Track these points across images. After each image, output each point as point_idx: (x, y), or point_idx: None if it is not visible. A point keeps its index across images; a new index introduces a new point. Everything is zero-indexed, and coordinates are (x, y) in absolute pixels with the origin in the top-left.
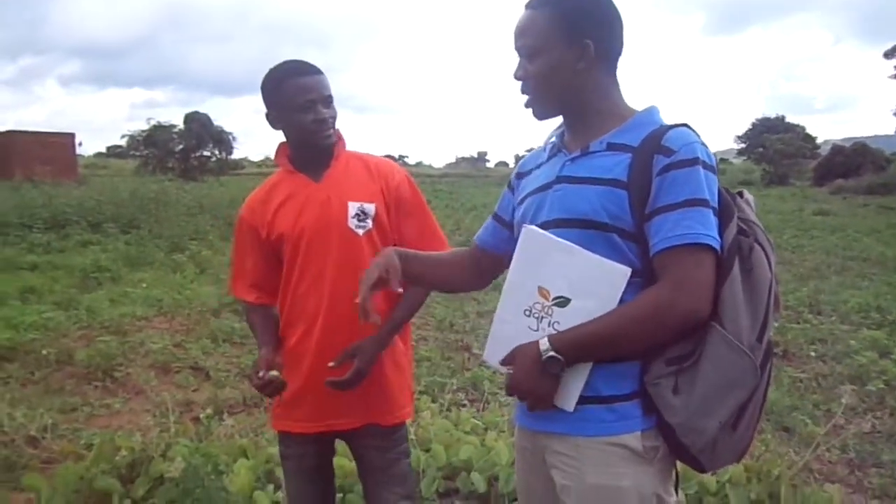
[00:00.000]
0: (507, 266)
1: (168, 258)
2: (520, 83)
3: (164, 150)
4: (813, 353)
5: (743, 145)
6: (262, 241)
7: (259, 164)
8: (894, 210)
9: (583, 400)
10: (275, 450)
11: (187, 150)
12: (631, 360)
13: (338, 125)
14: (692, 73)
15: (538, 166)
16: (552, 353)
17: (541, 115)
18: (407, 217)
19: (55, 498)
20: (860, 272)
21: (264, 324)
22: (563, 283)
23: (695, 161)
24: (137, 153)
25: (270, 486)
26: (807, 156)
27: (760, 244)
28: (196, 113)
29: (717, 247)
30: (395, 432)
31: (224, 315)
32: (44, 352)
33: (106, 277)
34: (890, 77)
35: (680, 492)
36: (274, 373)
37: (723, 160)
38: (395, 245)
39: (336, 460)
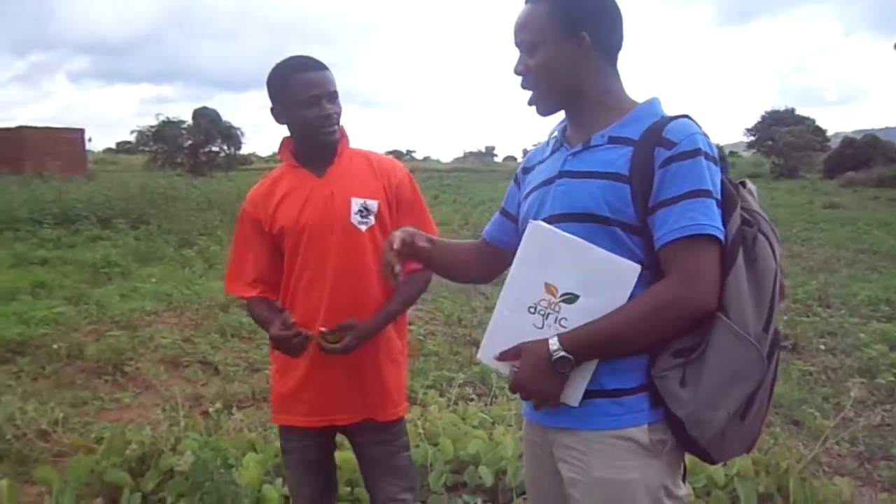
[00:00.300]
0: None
1: (177, 253)
2: (521, 79)
3: (172, 145)
4: (822, 347)
5: (752, 138)
6: (264, 235)
7: (267, 160)
8: None
9: (589, 394)
10: None
11: (196, 145)
12: (637, 354)
13: (344, 121)
14: (701, 65)
15: (542, 161)
16: (563, 354)
17: (544, 110)
18: (406, 215)
19: (66, 491)
20: (870, 265)
21: (270, 307)
22: (571, 280)
23: (696, 152)
24: (146, 149)
25: (279, 480)
26: (817, 148)
27: (764, 234)
28: (204, 108)
29: (722, 237)
30: (393, 427)
31: (232, 310)
32: (54, 346)
33: (116, 272)
34: None
35: (688, 485)
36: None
37: (732, 153)
38: None
39: (343, 454)
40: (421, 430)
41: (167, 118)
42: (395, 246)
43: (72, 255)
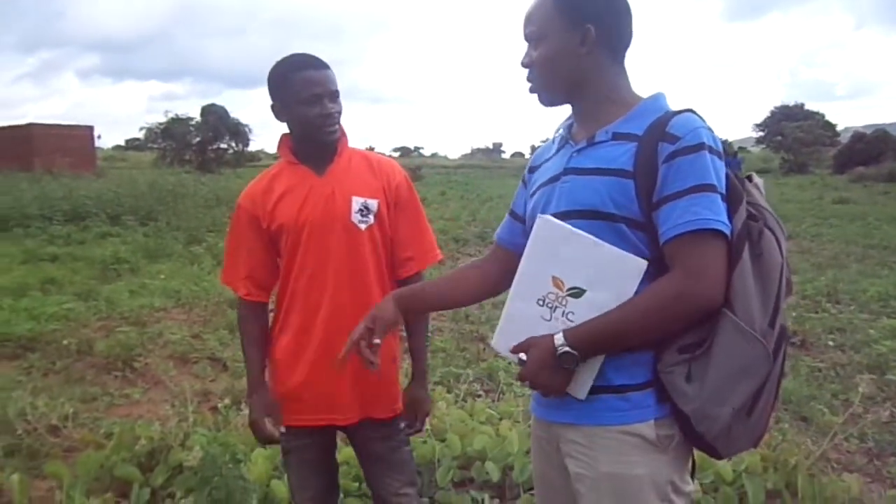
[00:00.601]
0: None
1: (186, 250)
2: (527, 71)
3: (181, 142)
4: (831, 343)
5: (761, 133)
6: (261, 232)
7: (275, 157)
8: None
9: (596, 389)
10: None
11: (204, 142)
12: (643, 350)
13: (352, 117)
14: (710, 60)
15: (548, 159)
16: (567, 349)
17: (546, 101)
18: (403, 217)
19: (77, 485)
20: (880, 261)
21: (258, 345)
22: (578, 274)
23: (700, 147)
24: (155, 146)
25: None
26: (826, 143)
27: (770, 229)
28: (213, 105)
29: (728, 231)
30: (392, 422)
31: None
32: (65, 342)
33: (125, 269)
34: None
35: (695, 481)
36: (283, 429)
37: (741, 149)
38: (390, 242)
39: (348, 451)
40: (428, 426)
41: (176, 115)
42: (358, 335)
43: (81, 252)
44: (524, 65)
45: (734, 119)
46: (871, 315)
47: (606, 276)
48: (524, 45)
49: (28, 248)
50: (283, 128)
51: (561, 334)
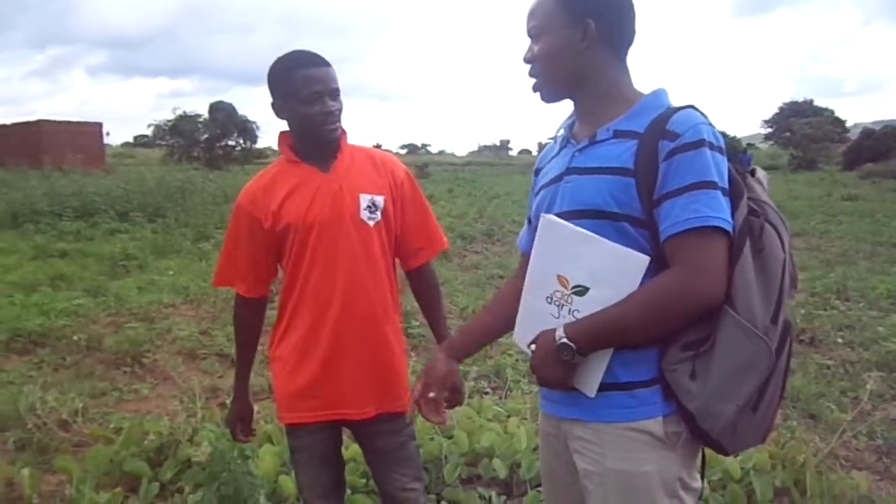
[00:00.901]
0: None
1: (194, 246)
2: (528, 67)
3: (189, 139)
4: (840, 340)
5: (770, 130)
6: (263, 232)
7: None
8: None
9: (603, 387)
10: None
11: (212, 139)
12: (648, 347)
13: (358, 115)
14: (719, 55)
15: (551, 159)
16: (564, 341)
17: (548, 97)
18: (410, 210)
19: (86, 480)
20: (889, 258)
21: (250, 346)
22: (581, 272)
23: (700, 143)
24: (163, 142)
25: None
26: (835, 140)
27: (772, 224)
28: (221, 102)
29: (729, 228)
30: (401, 416)
31: None
32: (74, 337)
33: (134, 265)
34: None
35: (705, 481)
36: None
37: (749, 145)
38: (395, 238)
39: (356, 447)
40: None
41: (184, 112)
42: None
43: (91, 248)
44: (526, 60)
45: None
46: (880, 312)
47: (609, 274)
48: (528, 41)
49: (38, 244)
50: (286, 125)
51: (562, 328)
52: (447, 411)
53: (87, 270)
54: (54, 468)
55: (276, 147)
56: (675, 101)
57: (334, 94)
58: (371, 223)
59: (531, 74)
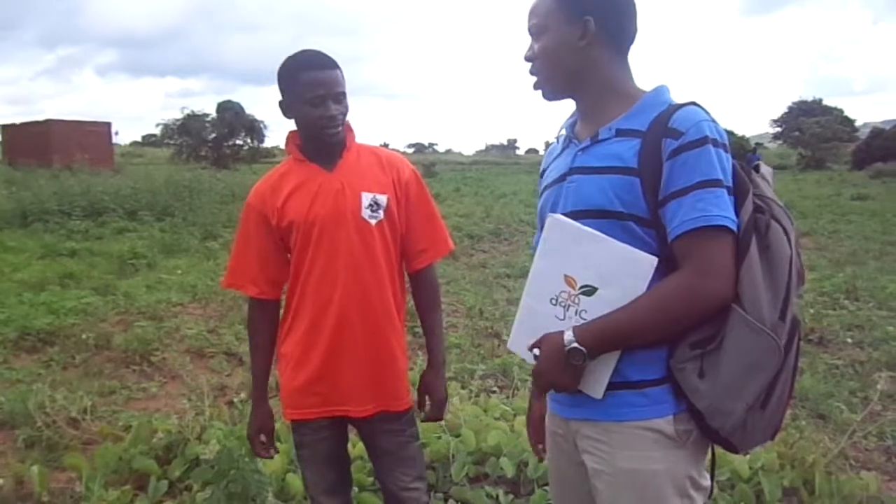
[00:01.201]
0: None
1: (202, 245)
2: (530, 65)
3: (197, 138)
4: (849, 340)
5: (779, 129)
6: (270, 229)
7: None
8: None
9: (612, 385)
10: None
11: (220, 138)
12: (658, 346)
13: (366, 114)
14: (728, 54)
15: (554, 160)
16: (575, 345)
17: (548, 95)
18: (415, 211)
19: (95, 477)
20: None
21: (266, 352)
22: (589, 272)
23: (704, 141)
24: (171, 142)
25: None
26: (844, 139)
27: (778, 220)
28: (228, 102)
29: (734, 227)
30: (403, 416)
31: None
32: (83, 336)
33: (142, 264)
34: None
35: (715, 481)
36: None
37: (758, 145)
38: (399, 237)
39: (363, 446)
40: (443, 422)
41: (192, 112)
42: None
43: (99, 247)
44: (527, 58)
45: (751, 114)
46: (889, 312)
47: (618, 274)
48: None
49: (47, 243)
50: (291, 125)
51: (570, 331)
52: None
53: (95, 269)
54: (63, 466)
55: (283, 146)
56: (679, 97)
57: (338, 97)
58: (373, 222)
59: (532, 73)
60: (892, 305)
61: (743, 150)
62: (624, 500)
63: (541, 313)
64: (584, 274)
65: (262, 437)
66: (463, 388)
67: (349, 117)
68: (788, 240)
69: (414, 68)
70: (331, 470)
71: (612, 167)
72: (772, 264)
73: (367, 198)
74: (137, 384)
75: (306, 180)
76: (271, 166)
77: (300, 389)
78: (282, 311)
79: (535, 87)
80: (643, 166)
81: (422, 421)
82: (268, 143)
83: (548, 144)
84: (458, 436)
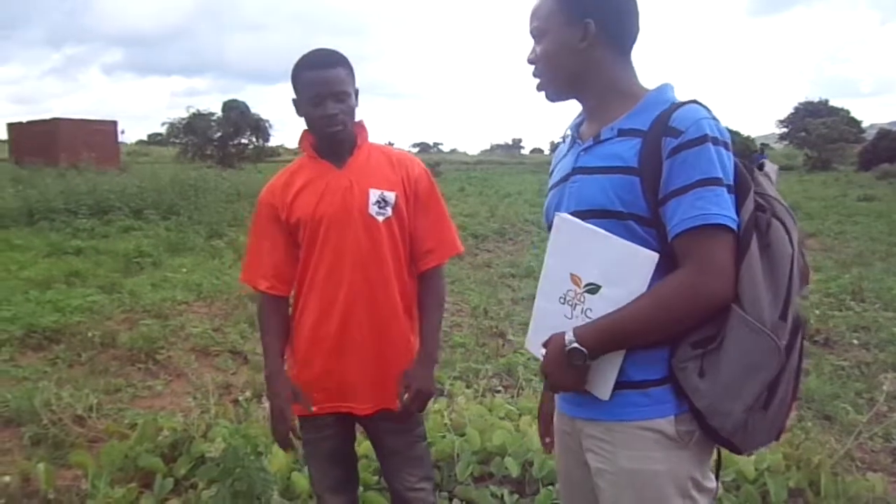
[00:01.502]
0: None
1: (207, 244)
2: (532, 67)
3: (203, 137)
4: (855, 341)
5: (785, 130)
6: (281, 225)
7: (295, 152)
8: None
9: (617, 384)
10: None
11: (225, 137)
12: (659, 346)
13: (371, 113)
14: (734, 55)
15: (560, 160)
16: (575, 345)
17: (551, 97)
18: (423, 210)
19: (101, 475)
20: None
21: (278, 335)
22: (593, 270)
23: (703, 139)
24: (177, 141)
25: (308, 468)
26: (851, 140)
27: (779, 218)
28: (234, 101)
29: (734, 226)
30: (410, 416)
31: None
32: (89, 334)
33: (147, 262)
34: None
35: (719, 482)
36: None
37: (763, 145)
38: (409, 235)
39: (369, 444)
40: (448, 421)
41: (197, 111)
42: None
43: (105, 245)
44: (530, 61)
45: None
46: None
47: (619, 271)
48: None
49: (53, 242)
50: (303, 123)
51: (571, 331)
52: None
53: (101, 267)
54: (69, 463)
55: (288, 145)
56: (685, 97)
57: (339, 96)
58: (380, 219)
59: (535, 75)
60: None
61: (748, 151)
62: (625, 500)
63: (551, 312)
64: (589, 272)
65: (285, 427)
66: (468, 387)
67: (362, 116)
68: (790, 238)
69: (418, 68)
70: (335, 467)
71: (612, 167)
72: (773, 263)
73: (374, 194)
74: (143, 382)
75: (316, 177)
76: (277, 165)
77: (306, 385)
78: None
79: (539, 88)
80: (643, 165)
81: (398, 411)
82: (273, 142)
83: (552, 144)
84: (462, 435)
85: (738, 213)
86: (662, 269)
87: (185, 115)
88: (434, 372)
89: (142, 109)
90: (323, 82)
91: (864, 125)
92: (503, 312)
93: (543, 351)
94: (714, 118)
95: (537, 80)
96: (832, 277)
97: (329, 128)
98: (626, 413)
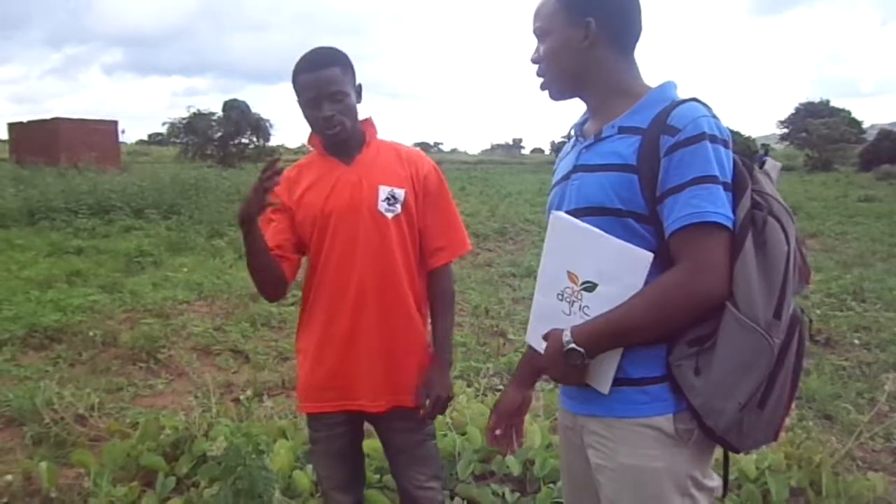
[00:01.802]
0: None
1: (208, 243)
2: (536, 67)
3: (203, 137)
4: (857, 342)
5: (786, 130)
6: (286, 212)
7: (296, 151)
8: None
9: (616, 382)
10: None
11: (226, 137)
12: (657, 343)
13: (371, 113)
14: (736, 55)
15: (563, 158)
16: (572, 346)
17: (555, 96)
18: (432, 207)
19: (103, 474)
20: None
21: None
22: (589, 268)
23: (701, 137)
24: (178, 140)
25: (309, 466)
26: (852, 140)
27: (776, 217)
28: (234, 101)
29: (730, 224)
30: (417, 412)
31: (262, 300)
32: (90, 333)
33: (148, 262)
34: None
35: (726, 479)
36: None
37: (764, 146)
38: (418, 232)
39: (373, 443)
40: (449, 420)
41: (198, 110)
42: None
43: (106, 245)
44: (533, 61)
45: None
46: None
47: (615, 270)
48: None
49: (54, 241)
50: (305, 123)
51: (569, 331)
52: (519, 439)
53: (102, 267)
54: (71, 462)
55: (289, 145)
56: (683, 95)
57: (335, 96)
58: (389, 216)
59: (538, 74)
60: None
61: (749, 151)
62: (625, 496)
63: (550, 307)
64: (585, 270)
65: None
66: (469, 386)
67: (370, 113)
68: (786, 237)
69: (419, 67)
70: (344, 466)
71: (612, 164)
72: (768, 261)
73: (384, 191)
74: (144, 381)
75: (325, 174)
76: None
77: (316, 384)
78: (299, 308)
79: (542, 87)
80: (642, 163)
81: (420, 417)
82: (274, 141)
83: (553, 144)
84: (464, 433)
85: (734, 210)
86: (660, 267)
87: (185, 114)
88: (450, 374)
89: (142, 109)
90: (317, 84)
91: (864, 126)
92: (504, 311)
93: (544, 344)
94: (713, 116)
95: (541, 80)
96: (833, 278)
97: (327, 130)
98: (626, 410)
